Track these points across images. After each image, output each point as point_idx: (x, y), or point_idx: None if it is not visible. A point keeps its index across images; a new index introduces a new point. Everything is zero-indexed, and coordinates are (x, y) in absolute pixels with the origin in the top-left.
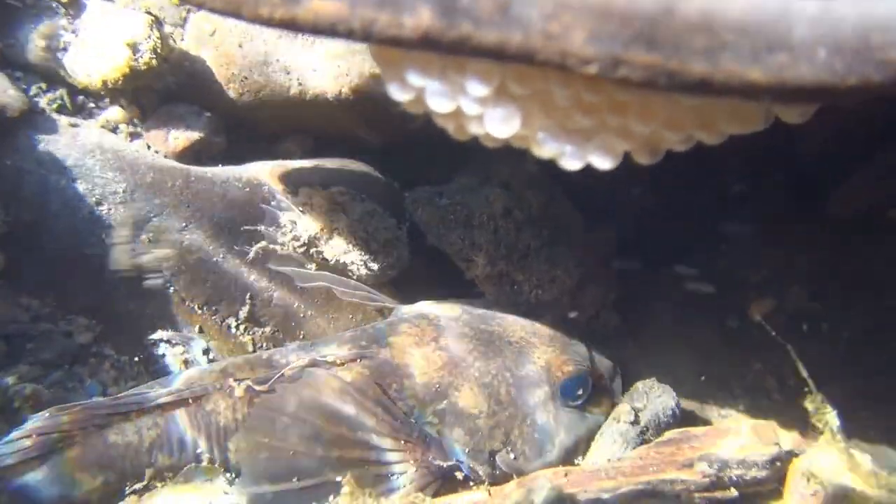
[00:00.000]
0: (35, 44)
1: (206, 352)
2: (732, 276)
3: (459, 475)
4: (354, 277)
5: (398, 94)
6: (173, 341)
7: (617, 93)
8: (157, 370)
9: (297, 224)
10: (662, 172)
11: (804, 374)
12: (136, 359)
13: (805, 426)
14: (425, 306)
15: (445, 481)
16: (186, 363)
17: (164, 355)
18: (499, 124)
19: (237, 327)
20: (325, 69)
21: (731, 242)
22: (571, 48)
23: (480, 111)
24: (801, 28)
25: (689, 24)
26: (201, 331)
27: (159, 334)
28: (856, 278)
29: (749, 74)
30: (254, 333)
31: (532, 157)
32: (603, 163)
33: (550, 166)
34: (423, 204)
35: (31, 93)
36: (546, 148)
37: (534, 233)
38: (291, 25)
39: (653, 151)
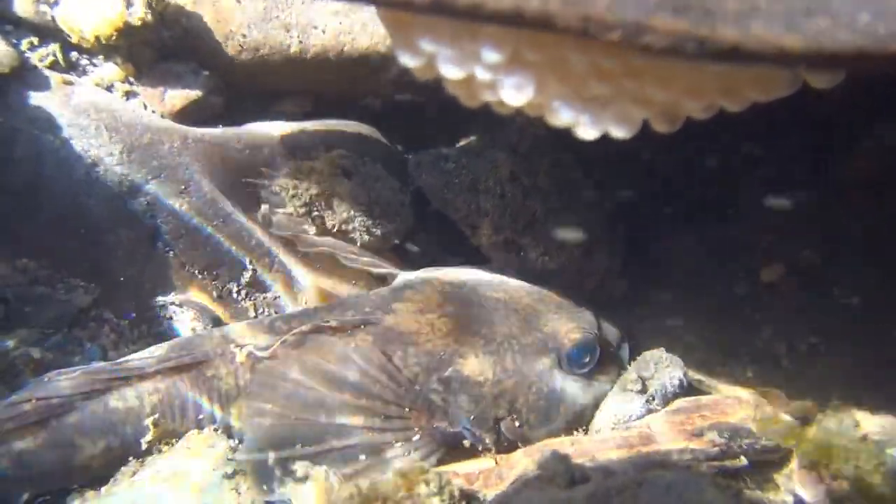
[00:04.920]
0: None
1: (216, 321)
2: (742, 240)
3: (465, 443)
4: (357, 243)
5: (408, 59)
6: (185, 306)
7: (638, 59)
8: (159, 334)
9: (298, 187)
10: (673, 135)
11: None
12: (137, 323)
13: (814, 393)
14: (430, 273)
15: (450, 449)
16: (195, 330)
17: (171, 318)
18: (512, 92)
19: (239, 292)
20: (326, 26)
21: (741, 206)
22: (593, 13)
23: (494, 78)
24: None
25: None
26: (219, 297)
27: (172, 297)
28: (868, 243)
29: (784, 41)
30: (255, 299)
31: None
32: (620, 132)
33: (558, 129)
34: (428, 168)
35: (22, 48)
36: (561, 116)
37: (541, 198)
38: None
39: (672, 119)
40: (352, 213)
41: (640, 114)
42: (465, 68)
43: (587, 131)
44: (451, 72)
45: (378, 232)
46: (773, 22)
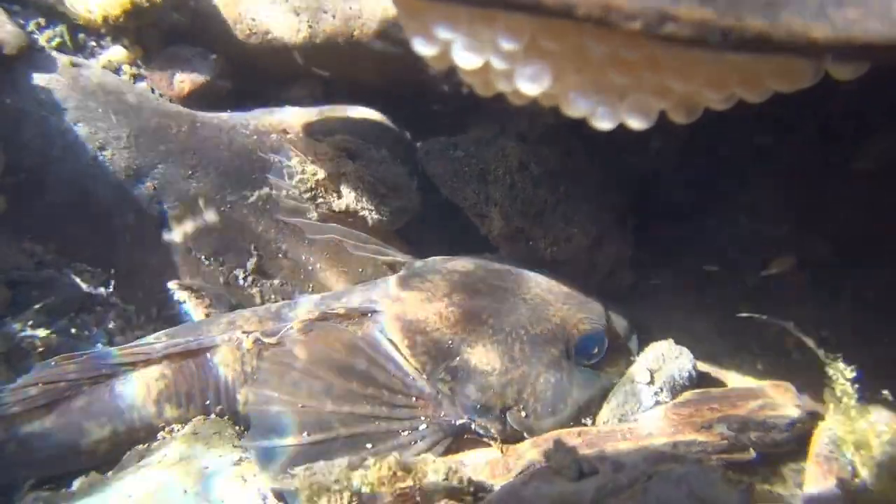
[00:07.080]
0: None
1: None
2: (753, 231)
3: (471, 433)
4: (368, 223)
5: (423, 47)
6: (191, 292)
7: (658, 49)
8: (165, 319)
9: (305, 172)
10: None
11: (811, 344)
12: (143, 308)
13: (826, 387)
14: (438, 261)
15: (457, 438)
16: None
17: (177, 304)
18: (528, 82)
19: (245, 279)
20: (336, 11)
21: (753, 196)
22: (614, 1)
23: (509, 67)
24: None
25: None
26: (226, 283)
27: (178, 283)
28: (883, 236)
29: (812, 31)
30: (262, 285)
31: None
32: (637, 123)
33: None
34: (437, 156)
35: (30, 29)
36: (577, 107)
37: (550, 188)
38: None
39: (690, 111)
40: (359, 192)
41: (658, 105)
42: (480, 57)
43: (603, 122)
44: (466, 60)
45: (387, 210)
46: (802, 11)
